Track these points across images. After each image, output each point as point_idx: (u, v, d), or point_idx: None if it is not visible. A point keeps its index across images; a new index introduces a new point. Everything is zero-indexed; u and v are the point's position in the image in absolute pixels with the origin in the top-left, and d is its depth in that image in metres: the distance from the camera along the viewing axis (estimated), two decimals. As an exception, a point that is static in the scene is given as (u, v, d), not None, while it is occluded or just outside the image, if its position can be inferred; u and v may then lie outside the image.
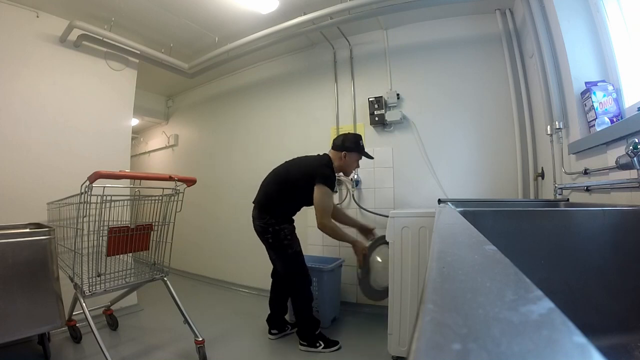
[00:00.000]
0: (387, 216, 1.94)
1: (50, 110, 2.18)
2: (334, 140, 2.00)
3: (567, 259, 0.77)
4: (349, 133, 2.01)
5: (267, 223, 1.83)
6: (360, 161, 2.01)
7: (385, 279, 1.76)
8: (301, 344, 1.85)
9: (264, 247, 1.90)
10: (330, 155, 1.95)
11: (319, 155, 1.99)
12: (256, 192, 1.97)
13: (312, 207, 1.85)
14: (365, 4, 2.01)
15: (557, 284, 0.76)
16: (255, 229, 1.91)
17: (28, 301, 1.48)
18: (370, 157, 2.03)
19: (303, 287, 1.85)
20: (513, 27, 2.14)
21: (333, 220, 1.90)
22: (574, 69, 1.39)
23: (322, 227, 1.81)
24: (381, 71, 2.54)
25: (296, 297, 1.87)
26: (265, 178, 1.98)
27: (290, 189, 1.86)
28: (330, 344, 1.84)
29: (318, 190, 1.80)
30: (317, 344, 1.82)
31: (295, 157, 2.03)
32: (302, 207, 1.96)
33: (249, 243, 2.99)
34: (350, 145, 1.91)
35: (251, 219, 1.93)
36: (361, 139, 1.98)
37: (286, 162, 2.00)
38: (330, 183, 1.83)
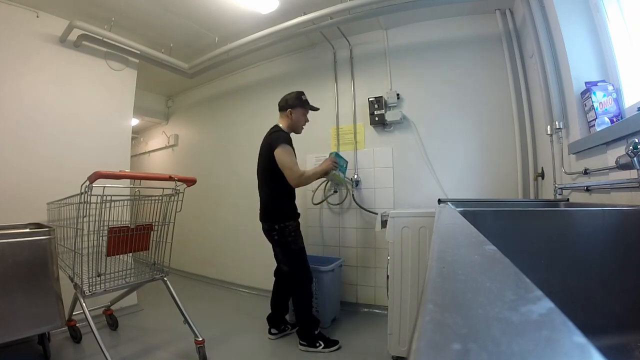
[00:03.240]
0: (376, 213, 2.22)
1: (50, 110, 2.18)
2: (278, 103, 2.02)
3: (567, 259, 0.77)
4: (291, 92, 2.01)
5: (272, 221, 1.86)
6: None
7: None
8: (301, 344, 1.85)
9: (264, 247, 1.92)
10: (278, 121, 1.99)
11: (268, 131, 1.99)
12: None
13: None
14: (365, 4, 2.01)
15: (557, 284, 0.76)
16: (263, 230, 1.94)
17: (28, 301, 1.48)
18: (316, 109, 2.04)
19: (305, 284, 1.87)
20: (513, 27, 2.14)
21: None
22: (574, 69, 1.39)
23: (298, 181, 1.81)
24: (381, 71, 2.54)
25: (297, 295, 1.87)
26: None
27: (271, 178, 1.86)
28: (330, 343, 1.84)
29: (279, 152, 1.79)
30: (317, 344, 1.82)
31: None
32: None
33: (249, 243, 3.00)
34: (293, 102, 1.94)
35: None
36: (304, 95, 1.99)
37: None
38: (285, 139, 1.83)
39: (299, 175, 1.80)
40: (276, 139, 1.83)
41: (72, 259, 1.55)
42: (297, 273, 1.87)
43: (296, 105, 1.94)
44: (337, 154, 2.05)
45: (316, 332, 1.85)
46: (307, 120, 2.03)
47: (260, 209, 1.95)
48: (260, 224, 1.94)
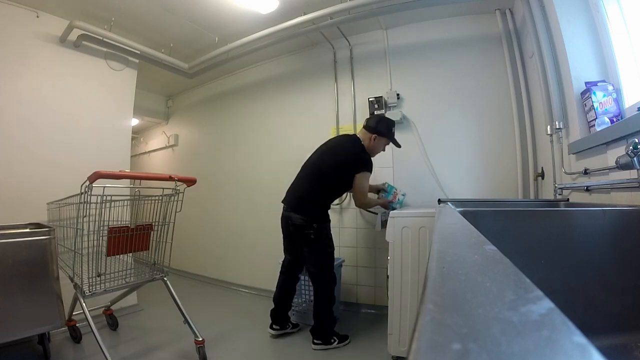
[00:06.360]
0: (376, 213, 2.32)
1: (50, 110, 2.18)
2: (368, 119, 2.02)
3: (567, 259, 0.77)
4: (385, 117, 2.06)
5: (311, 218, 1.85)
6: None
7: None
8: (315, 343, 1.85)
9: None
10: (360, 135, 1.98)
11: (348, 137, 2.02)
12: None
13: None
14: (365, 4, 2.01)
15: (557, 284, 0.76)
16: (292, 223, 1.89)
17: (28, 301, 1.48)
18: (399, 146, 2.04)
19: (332, 285, 1.89)
20: (513, 27, 2.14)
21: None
22: (574, 69, 1.39)
23: (362, 205, 2.02)
24: (381, 71, 2.54)
25: (323, 296, 1.87)
26: (302, 171, 2.00)
27: (330, 182, 1.89)
28: (342, 338, 1.88)
29: (360, 177, 1.87)
30: (332, 340, 1.85)
31: (326, 141, 2.05)
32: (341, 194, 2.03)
33: (249, 243, 3.00)
34: (382, 130, 1.94)
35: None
36: (394, 126, 2.01)
37: (320, 149, 2.03)
38: (370, 167, 1.91)
39: (366, 202, 1.96)
40: (364, 163, 1.89)
41: (72, 259, 1.55)
42: (327, 274, 1.88)
43: (384, 134, 1.95)
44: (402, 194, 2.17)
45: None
46: (384, 150, 2.04)
47: (295, 199, 1.91)
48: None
